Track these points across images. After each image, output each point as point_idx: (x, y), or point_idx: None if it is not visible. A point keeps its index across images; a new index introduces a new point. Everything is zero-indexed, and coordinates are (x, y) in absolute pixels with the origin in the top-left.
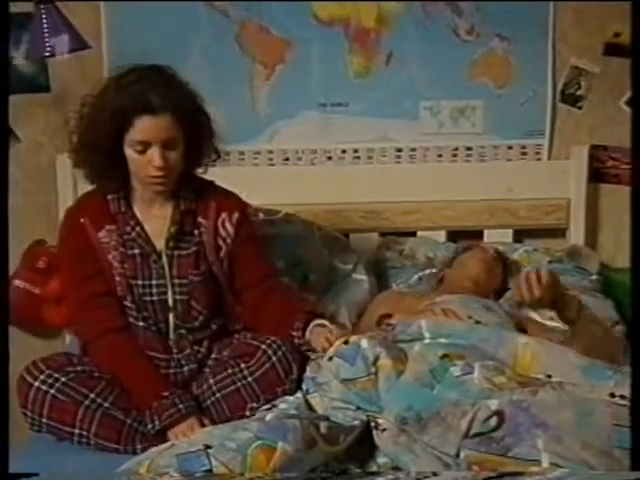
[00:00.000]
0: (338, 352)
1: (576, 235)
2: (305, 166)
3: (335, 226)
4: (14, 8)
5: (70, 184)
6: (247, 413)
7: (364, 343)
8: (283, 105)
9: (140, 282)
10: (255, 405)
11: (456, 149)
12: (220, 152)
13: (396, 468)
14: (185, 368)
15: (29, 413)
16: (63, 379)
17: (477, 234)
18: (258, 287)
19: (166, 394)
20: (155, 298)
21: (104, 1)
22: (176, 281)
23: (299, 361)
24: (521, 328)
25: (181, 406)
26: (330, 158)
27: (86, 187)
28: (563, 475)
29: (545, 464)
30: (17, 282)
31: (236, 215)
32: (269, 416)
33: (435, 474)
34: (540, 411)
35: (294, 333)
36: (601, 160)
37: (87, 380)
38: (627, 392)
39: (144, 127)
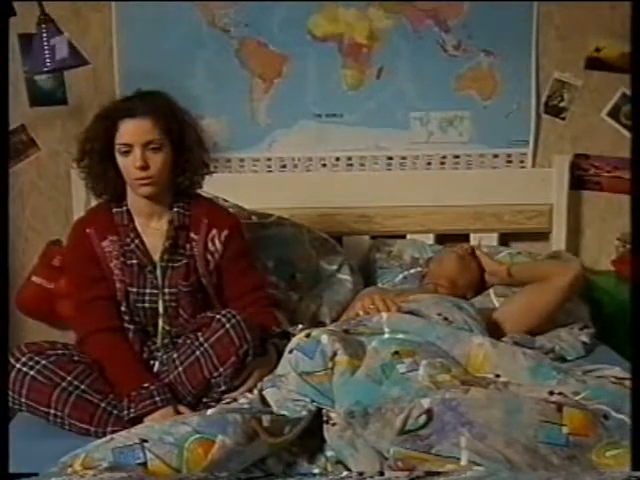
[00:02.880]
0: (298, 346)
1: (558, 239)
2: (301, 173)
3: (329, 229)
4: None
5: (83, 189)
6: (213, 381)
7: (324, 338)
8: (281, 116)
9: (135, 290)
10: (216, 374)
11: (444, 157)
12: (210, 167)
13: (340, 462)
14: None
15: (10, 393)
16: (43, 362)
17: (464, 237)
18: (242, 299)
19: (146, 385)
20: (147, 305)
21: (115, 1)
22: (166, 290)
23: (254, 331)
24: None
25: (157, 398)
26: (325, 165)
27: None
28: (481, 475)
29: (464, 462)
30: (34, 278)
31: (225, 232)
32: (210, 411)
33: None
34: (468, 409)
35: None
36: (583, 168)
37: (66, 363)
38: (566, 390)
39: (126, 130)
